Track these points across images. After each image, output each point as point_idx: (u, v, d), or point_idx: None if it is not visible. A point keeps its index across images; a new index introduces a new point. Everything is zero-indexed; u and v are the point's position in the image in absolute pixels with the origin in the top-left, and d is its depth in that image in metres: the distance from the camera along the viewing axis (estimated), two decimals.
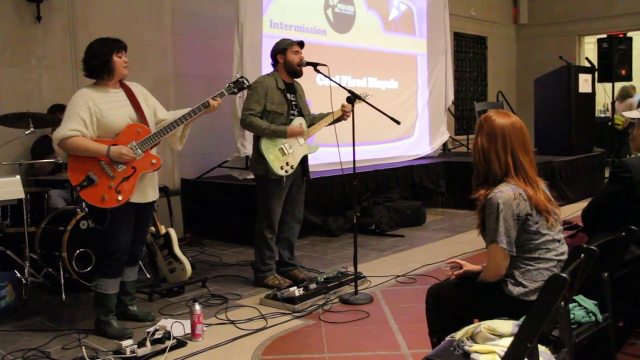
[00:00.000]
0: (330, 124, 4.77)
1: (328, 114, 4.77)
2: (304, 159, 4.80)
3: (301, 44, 4.72)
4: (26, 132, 4.71)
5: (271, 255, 4.76)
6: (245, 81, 4.12)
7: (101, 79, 3.70)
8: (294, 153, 4.63)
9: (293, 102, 4.72)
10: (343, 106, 4.66)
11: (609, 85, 10.10)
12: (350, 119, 4.48)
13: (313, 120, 4.80)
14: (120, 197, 3.59)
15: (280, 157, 4.56)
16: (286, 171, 4.58)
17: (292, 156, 4.62)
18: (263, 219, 4.68)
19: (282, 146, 4.58)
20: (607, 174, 9.20)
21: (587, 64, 9.96)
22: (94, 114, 3.59)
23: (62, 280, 4.49)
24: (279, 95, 4.62)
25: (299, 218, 4.90)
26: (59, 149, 3.59)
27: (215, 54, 7.06)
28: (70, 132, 3.51)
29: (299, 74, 4.73)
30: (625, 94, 10.80)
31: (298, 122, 4.69)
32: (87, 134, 3.57)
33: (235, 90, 4.09)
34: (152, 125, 3.79)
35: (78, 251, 4.59)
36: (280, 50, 4.68)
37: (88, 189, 3.56)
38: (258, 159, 4.61)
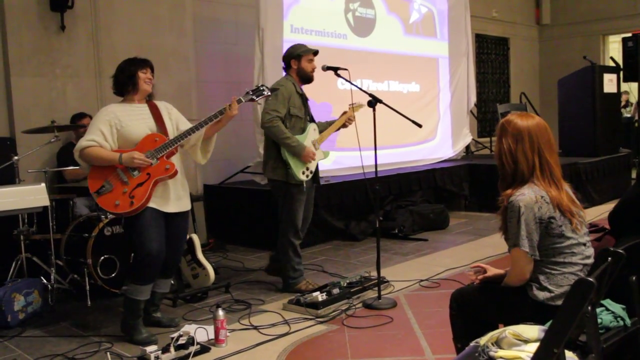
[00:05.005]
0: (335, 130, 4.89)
1: (332, 122, 4.87)
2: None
3: (315, 53, 4.75)
4: (51, 140, 4.78)
5: (299, 261, 4.76)
6: (266, 89, 4.13)
7: (127, 93, 3.85)
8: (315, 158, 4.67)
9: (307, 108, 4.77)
10: (346, 112, 4.79)
11: (634, 84, 9.94)
12: (371, 123, 4.46)
13: (322, 129, 4.85)
14: (132, 202, 3.64)
15: (302, 163, 4.57)
16: (307, 176, 4.61)
17: (310, 162, 4.64)
18: (289, 225, 4.67)
19: None
20: (634, 175, 9.13)
21: (611, 64, 9.83)
22: (113, 125, 3.73)
23: (87, 287, 4.54)
24: (299, 100, 4.65)
25: (309, 221, 4.93)
26: (80, 160, 3.75)
27: (237, 59, 7.10)
28: (88, 143, 3.66)
29: (311, 81, 4.77)
30: None
31: (312, 127, 4.74)
32: (106, 145, 3.69)
33: (254, 97, 4.09)
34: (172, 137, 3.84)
35: (102, 257, 4.63)
36: (295, 56, 4.70)
37: (104, 195, 3.66)
38: (277, 164, 4.61)
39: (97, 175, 3.70)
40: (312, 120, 4.81)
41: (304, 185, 4.60)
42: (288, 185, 4.60)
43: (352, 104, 4.82)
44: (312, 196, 4.88)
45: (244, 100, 4.03)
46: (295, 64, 4.70)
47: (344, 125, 4.84)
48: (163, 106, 3.97)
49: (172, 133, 3.86)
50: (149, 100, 3.93)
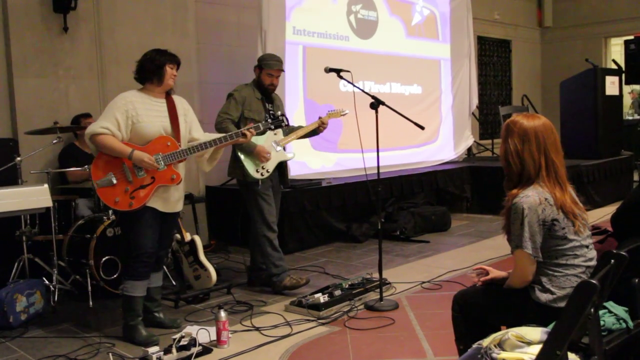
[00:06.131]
0: (307, 135, 4.92)
1: (301, 126, 4.95)
2: (283, 166, 4.86)
3: (280, 70, 4.81)
4: (54, 141, 4.79)
5: (280, 256, 4.75)
6: (285, 120, 4.23)
7: (150, 83, 3.82)
8: (269, 158, 4.67)
9: (271, 112, 4.77)
10: (320, 118, 4.85)
11: (636, 87, 9.94)
12: (373, 125, 4.47)
13: (290, 131, 4.88)
14: (132, 203, 3.65)
15: (256, 161, 4.61)
16: (262, 174, 4.63)
17: (266, 162, 4.65)
18: (259, 221, 4.69)
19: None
20: (636, 178, 9.13)
21: (614, 66, 9.83)
22: (130, 117, 3.69)
23: (89, 287, 4.55)
24: (257, 104, 4.71)
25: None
26: (90, 142, 3.72)
27: (239, 61, 7.09)
28: (101, 130, 3.63)
29: (267, 93, 4.81)
30: None
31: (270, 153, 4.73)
32: (118, 134, 3.67)
33: (272, 127, 4.19)
34: (184, 142, 3.86)
35: (105, 259, 4.64)
36: (258, 65, 4.79)
37: (105, 188, 3.65)
38: (235, 163, 4.70)
39: (103, 165, 3.68)
40: None
41: (260, 183, 4.62)
42: (247, 183, 4.66)
43: (330, 111, 4.92)
44: (277, 197, 4.90)
45: (262, 128, 4.14)
46: (257, 73, 4.81)
47: (318, 130, 4.87)
48: (181, 106, 3.94)
49: (184, 137, 3.87)
50: (168, 95, 3.90)
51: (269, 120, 4.19)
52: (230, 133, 3.98)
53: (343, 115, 4.91)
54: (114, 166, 3.67)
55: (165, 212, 3.83)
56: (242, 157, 4.59)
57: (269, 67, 4.74)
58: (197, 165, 4.15)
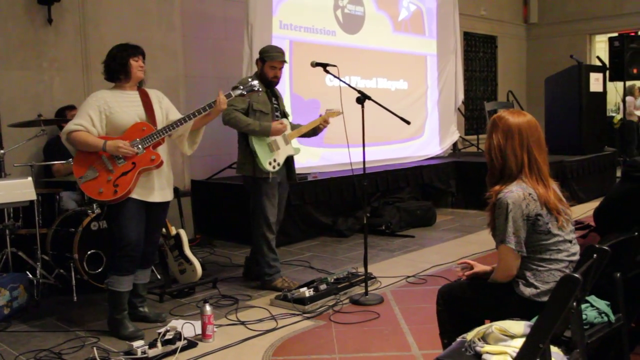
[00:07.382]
0: (307, 134, 4.87)
1: (299, 125, 4.89)
2: (291, 161, 4.83)
3: (283, 61, 4.73)
4: (37, 134, 4.75)
5: (275, 257, 4.74)
6: (256, 84, 4.13)
7: (119, 80, 3.82)
8: (280, 151, 4.65)
9: (275, 105, 4.76)
10: (322, 116, 4.81)
11: (620, 84, 10.04)
12: (359, 120, 4.47)
13: (293, 127, 4.85)
14: (116, 191, 3.64)
15: (269, 153, 4.57)
16: (273, 167, 4.59)
17: (278, 154, 4.64)
18: (261, 221, 4.66)
19: (270, 142, 4.61)
20: (618, 174, 9.22)
21: (598, 63, 9.91)
22: (103, 111, 3.71)
23: (74, 281, 4.52)
24: (263, 95, 4.63)
25: (280, 220, 4.93)
26: (67, 143, 3.73)
27: (225, 55, 7.08)
28: (74, 127, 3.65)
29: (270, 86, 4.75)
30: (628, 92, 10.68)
31: (284, 122, 4.71)
32: (93, 130, 3.67)
33: (244, 92, 4.10)
34: (161, 127, 3.82)
35: (89, 252, 4.61)
36: (261, 58, 4.72)
37: (88, 182, 3.65)
38: (245, 159, 4.63)
39: (82, 162, 3.68)
40: (284, 115, 4.82)
41: (270, 176, 4.59)
42: (256, 180, 4.61)
43: (330, 110, 4.86)
44: (284, 195, 4.89)
45: (233, 95, 4.05)
46: (259, 65, 4.73)
47: (319, 128, 4.83)
48: (154, 95, 3.94)
49: (161, 122, 3.84)
50: (140, 87, 3.90)
51: (240, 87, 4.08)
52: (201, 107, 3.89)
53: (337, 115, 4.83)
54: (94, 160, 3.67)
55: (150, 203, 3.80)
56: (256, 147, 4.52)
57: (272, 59, 4.66)
58: (179, 148, 4.10)
